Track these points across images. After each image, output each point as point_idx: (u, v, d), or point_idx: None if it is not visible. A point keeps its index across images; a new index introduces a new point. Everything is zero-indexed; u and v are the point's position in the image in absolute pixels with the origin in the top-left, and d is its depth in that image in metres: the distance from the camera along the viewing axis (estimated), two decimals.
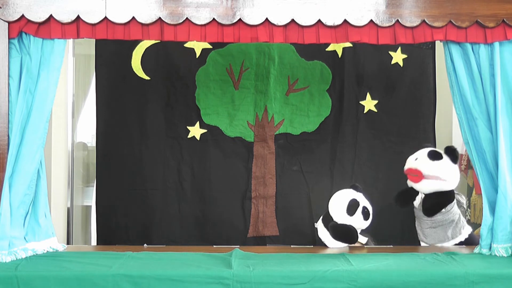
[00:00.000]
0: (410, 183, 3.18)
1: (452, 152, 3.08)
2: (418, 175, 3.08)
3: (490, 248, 2.72)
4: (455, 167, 3.09)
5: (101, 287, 2.35)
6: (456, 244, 3.11)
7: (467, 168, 4.57)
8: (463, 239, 3.13)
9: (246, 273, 2.39)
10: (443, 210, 3.07)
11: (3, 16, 2.54)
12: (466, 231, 3.16)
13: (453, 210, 3.09)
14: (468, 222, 4.50)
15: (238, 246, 2.84)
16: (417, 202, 3.17)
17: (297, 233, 3.95)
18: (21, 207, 2.60)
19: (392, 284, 2.40)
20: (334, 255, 2.72)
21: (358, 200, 3.02)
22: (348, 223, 2.99)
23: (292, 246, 3.42)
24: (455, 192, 3.17)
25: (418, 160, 3.13)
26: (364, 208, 3.02)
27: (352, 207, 2.99)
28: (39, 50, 2.59)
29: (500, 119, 2.67)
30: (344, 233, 2.98)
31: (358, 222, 3.00)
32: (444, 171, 3.06)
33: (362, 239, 2.99)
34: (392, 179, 3.77)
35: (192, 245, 3.35)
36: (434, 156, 3.09)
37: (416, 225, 3.23)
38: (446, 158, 3.09)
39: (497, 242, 2.69)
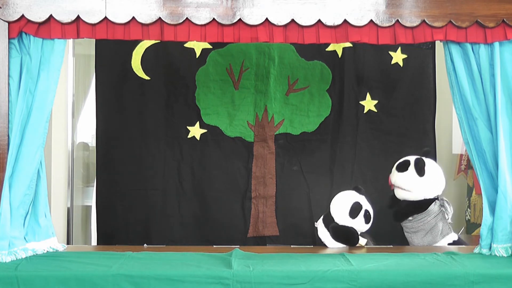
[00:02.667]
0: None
1: (416, 164, 3.14)
2: (390, 184, 3.27)
3: (490, 248, 2.72)
4: (422, 179, 3.13)
5: (101, 287, 2.35)
6: None
7: (467, 168, 4.57)
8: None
9: (246, 273, 2.39)
10: (410, 218, 3.16)
11: (3, 16, 2.54)
12: (448, 239, 3.17)
13: (424, 219, 3.14)
14: (468, 222, 4.50)
15: (238, 246, 2.83)
16: None
17: (297, 233, 3.96)
18: (21, 207, 2.60)
19: (392, 284, 2.40)
20: (334, 255, 2.72)
21: (361, 203, 3.03)
22: (349, 225, 2.99)
23: (292, 246, 3.42)
24: (444, 199, 3.20)
25: (392, 169, 3.27)
26: (366, 211, 3.03)
27: (355, 210, 2.99)
28: (39, 50, 2.59)
29: (500, 119, 2.66)
30: (345, 235, 2.98)
31: (359, 225, 3.01)
32: (406, 182, 3.15)
33: (362, 241, 2.99)
34: None
35: (192, 245, 3.35)
36: (400, 167, 3.20)
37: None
38: (411, 170, 3.15)
39: (497, 242, 2.69)
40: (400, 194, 3.19)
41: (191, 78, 3.96)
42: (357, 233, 2.99)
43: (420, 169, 3.12)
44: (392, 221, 3.27)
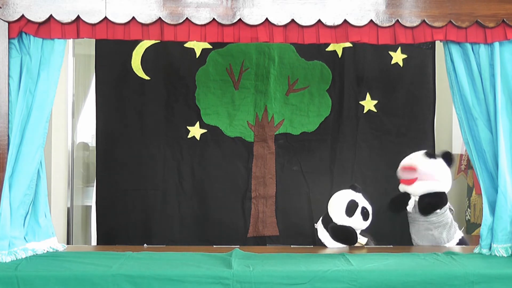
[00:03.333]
0: (402, 187, 3.19)
1: (448, 156, 3.13)
2: (412, 172, 3.10)
3: (490, 248, 2.72)
4: (449, 171, 3.14)
5: (101, 287, 2.35)
6: None
7: (467, 168, 4.57)
8: (455, 244, 3.14)
9: (246, 273, 2.39)
10: (438, 211, 3.09)
11: (3, 16, 2.54)
12: (458, 235, 3.18)
13: (446, 213, 3.13)
14: (468, 222, 4.50)
15: (238, 246, 2.84)
16: (411, 206, 3.18)
17: (297, 233, 3.95)
18: (21, 207, 2.60)
19: (392, 284, 2.40)
20: (334, 255, 2.72)
21: (357, 200, 3.02)
22: (347, 224, 2.99)
23: (292, 246, 3.42)
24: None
25: (413, 159, 3.18)
26: (363, 208, 3.02)
27: (351, 208, 2.99)
28: (39, 50, 2.59)
29: (500, 119, 2.67)
30: (344, 235, 2.98)
31: (358, 223, 3.00)
32: (438, 171, 3.10)
33: (362, 240, 2.99)
34: (391, 179, 3.75)
35: (192, 245, 3.35)
36: (430, 155, 3.14)
37: (410, 230, 3.23)
38: (440, 160, 3.13)
39: (497, 242, 2.69)
40: (424, 187, 3.09)
41: (191, 78, 3.96)
42: (356, 232, 2.99)
43: (450, 160, 3.11)
44: (420, 214, 3.17)
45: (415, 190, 3.13)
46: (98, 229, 4.00)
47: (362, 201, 3.05)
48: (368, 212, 3.04)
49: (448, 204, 3.18)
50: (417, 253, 2.77)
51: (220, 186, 3.99)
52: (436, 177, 3.08)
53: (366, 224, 3.04)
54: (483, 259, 2.66)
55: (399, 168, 3.22)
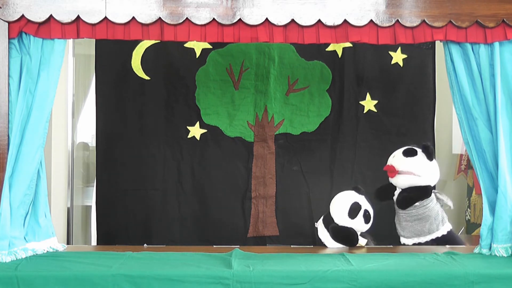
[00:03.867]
0: (389, 179, 3.25)
1: (426, 149, 3.16)
2: (393, 171, 3.18)
3: (490, 248, 2.72)
4: (431, 163, 3.17)
5: (101, 287, 2.35)
6: (433, 240, 3.14)
7: (467, 168, 4.57)
8: (440, 235, 3.15)
9: (246, 273, 2.39)
10: (417, 204, 3.14)
11: (3, 16, 2.54)
12: (445, 227, 3.19)
13: (429, 205, 3.14)
14: (468, 222, 4.50)
15: (238, 246, 2.83)
16: (396, 196, 3.22)
17: (297, 233, 3.96)
18: (21, 207, 2.60)
19: (392, 284, 2.40)
20: (334, 255, 2.72)
21: (360, 203, 3.03)
22: (349, 225, 2.99)
23: (292, 246, 3.42)
24: (436, 191, 3.23)
25: (394, 157, 3.25)
26: (366, 211, 3.03)
27: (354, 210, 2.99)
28: (39, 50, 2.59)
29: (500, 119, 2.66)
30: (345, 236, 2.98)
31: (359, 225, 3.00)
32: (417, 167, 3.14)
33: (362, 241, 2.98)
34: None
35: (192, 245, 3.35)
36: (408, 153, 3.19)
37: (395, 220, 3.27)
38: (421, 155, 3.16)
39: (497, 242, 2.69)
40: (405, 181, 3.16)
41: (191, 78, 3.96)
42: (357, 234, 2.99)
43: (430, 154, 3.15)
44: (394, 211, 3.25)
45: (398, 183, 3.22)
46: (98, 229, 4.00)
47: (365, 204, 3.06)
48: (370, 215, 3.05)
49: (439, 195, 3.19)
50: (417, 253, 2.77)
51: (220, 186, 3.99)
52: (416, 173, 3.13)
53: (367, 227, 3.04)
54: (483, 259, 2.66)
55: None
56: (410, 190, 3.16)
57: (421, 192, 3.15)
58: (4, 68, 2.57)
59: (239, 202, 4.00)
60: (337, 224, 3.00)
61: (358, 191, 3.11)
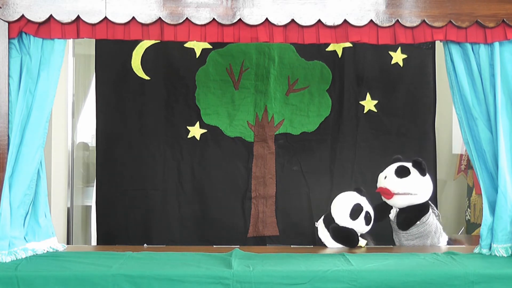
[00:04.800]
0: (383, 198, 3.18)
1: (419, 166, 3.07)
2: (389, 194, 3.09)
3: (490, 248, 2.72)
4: (425, 179, 3.08)
5: (101, 287, 2.35)
6: None
7: (467, 168, 4.57)
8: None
9: (246, 273, 2.39)
10: (418, 222, 3.08)
11: (3, 16, 2.54)
12: (443, 239, 3.16)
13: (429, 221, 3.09)
14: (468, 222, 4.50)
15: (238, 246, 2.83)
16: (392, 214, 3.18)
17: (297, 233, 3.96)
18: (21, 207, 2.60)
19: (392, 284, 2.40)
20: (334, 255, 2.72)
21: (362, 205, 3.02)
22: (349, 226, 2.99)
23: (292, 246, 3.42)
24: (430, 205, 3.16)
25: (387, 178, 3.13)
26: (367, 213, 3.02)
27: (356, 211, 2.99)
28: (39, 50, 2.59)
29: (500, 119, 2.66)
30: (345, 236, 2.98)
31: (360, 227, 3.00)
32: (413, 186, 3.06)
33: (362, 242, 2.98)
34: None
35: (192, 245, 3.35)
36: (401, 173, 3.09)
37: (393, 237, 3.22)
38: (414, 173, 3.07)
39: (497, 242, 2.69)
40: (403, 201, 3.09)
41: (191, 78, 3.96)
42: (357, 235, 2.99)
43: (423, 170, 3.06)
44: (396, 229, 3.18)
45: (395, 203, 3.13)
46: (98, 229, 4.00)
47: (366, 206, 3.05)
48: (371, 217, 3.04)
49: (432, 210, 3.14)
50: (417, 253, 2.77)
51: (220, 186, 3.99)
52: (412, 192, 3.06)
53: (367, 228, 3.04)
54: (483, 259, 2.66)
55: (377, 187, 3.20)
56: (409, 210, 3.09)
57: (420, 210, 3.08)
58: (4, 68, 2.57)
59: (239, 202, 4.00)
60: (338, 225, 3.00)
61: (360, 192, 3.11)
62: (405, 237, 3.11)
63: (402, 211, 3.11)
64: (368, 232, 3.14)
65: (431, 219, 3.10)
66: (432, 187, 3.15)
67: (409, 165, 3.12)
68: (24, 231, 2.63)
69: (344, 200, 3.06)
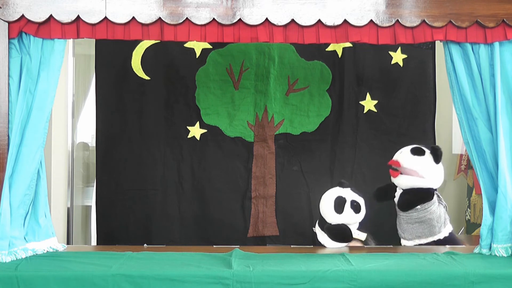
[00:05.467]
0: (391, 178, 3.19)
1: (434, 152, 3.08)
2: (397, 168, 3.10)
3: (490, 248, 2.72)
4: (437, 167, 3.08)
5: (101, 287, 2.35)
6: (434, 241, 3.11)
7: (467, 168, 4.57)
8: (441, 237, 3.11)
9: (246, 273, 2.39)
10: (418, 207, 3.07)
11: (3, 16, 2.54)
12: (447, 229, 3.16)
13: (431, 209, 3.08)
14: (468, 222, 4.51)
15: (238, 246, 2.83)
16: (397, 198, 3.18)
17: (297, 233, 3.96)
18: (21, 207, 2.59)
19: (392, 284, 2.40)
20: (334, 255, 2.72)
21: (343, 196, 3.00)
22: (340, 221, 2.97)
23: (292, 246, 3.42)
24: (438, 195, 3.16)
25: (401, 153, 3.16)
26: (353, 202, 2.99)
27: (339, 204, 2.97)
28: (39, 50, 2.59)
29: (500, 119, 2.66)
30: (339, 233, 2.97)
31: (350, 218, 2.98)
32: (422, 167, 3.06)
33: (361, 236, 2.97)
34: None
35: (192, 245, 3.35)
36: (416, 152, 3.11)
37: (396, 221, 3.23)
38: (428, 156, 3.08)
39: (497, 242, 2.68)
40: (407, 182, 3.08)
41: (191, 78, 3.96)
42: (349, 228, 2.97)
43: (438, 157, 3.06)
44: (394, 211, 3.18)
45: (400, 183, 3.13)
46: (98, 229, 4.00)
47: (350, 195, 3.02)
48: (359, 204, 3.01)
49: (438, 199, 3.15)
50: (417, 253, 2.77)
51: (220, 186, 3.99)
52: (420, 173, 3.05)
53: (359, 217, 3.00)
54: (483, 259, 2.66)
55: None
56: (412, 192, 3.09)
57: (422, 195, 3.07)
58: (4, 68, 2.57)
59: (239, 202, 4.01)
60: (330, 224, 3.00)
61: (342, 185, 3.08)
62: (405, 219, 3.12)
63: (405, 192, 3.11)
64: (369, 232, 3.14)
65: (433, 207, 3.08)
66: (442, 178, 3.12)
67: (427, 150, 3.13)
68: (24, 231, 2.63)
69: (326, 197, 3.05)
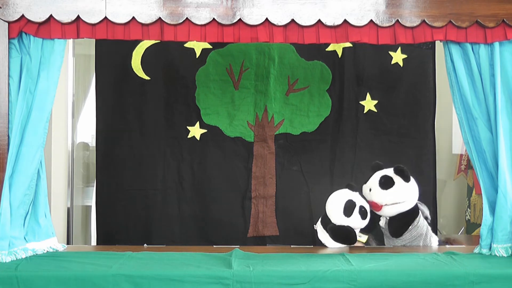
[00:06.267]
0: (373, 210, 3.15)
1: (401, 173, 3.03)
2: (377, 207, 3.06)
3: (490, 248, 2.72)
4: (409, 185, 3.04)
5: (101, 287, 2.35)
6: None
7: (467, 168, 4.57)
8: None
9: (246, 273, 2.39)
10: (410, 227, 3.06)
11: (3, 16, 2.54)
12: (434, 240, 3.15)
13: (420, 223, 3.07)
14: (468, 222, 4.51)
15: (238, 246, 2.83)
16: (383, 221, 3.15)
17: (297, 233, 3.96)
18: (21, 207, 2.60)
19: (392, 284, 2.40)
20: (334, 255, 2.72)
21: (354, 200, 3.01)
22: (346, 224, 2.98)
23: (292, 246, 3.42)
24: (418, 202, 3.13)
25: (372, 191, 3.09)
26: (361, 207, 3.01)
27: (349, 208, 2.98)
28: (39, 50, 2.59)
29: (500, 119, 2.66)
30: (343, 235, 2.98)
31: (356, 222, 3.00)
32: (399, 195, 3.03)
33: (363, 238, 2.97)
34: None
35: (192, 245, 3.35)
36: (385, 184, 3.05)
37: (385, 243, 3.21)
38: (398, 181, 3.04)
39: (497, 242, 2.69)
40: (392, 210, 3.06)
41: (191, 78, 3.96)
42: (355, 232, 2.98)
43: (406, 176, 3.02)
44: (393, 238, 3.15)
45: (385, 213, 3.10)
46: (98, 229, 4.00)
47: (360, 200, 3.03)
48: (366, 210, 3.03)
49: (421, 207, 3.13)
50: (417, 253, 2.77)
51: (220, 186, 3.99)
52: (400, 200, 3.03)
53: (364, 223, 3.02)
54: (483, 259, 2.66)
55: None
56: (400, 217, 3.07)
57: (411, 216, 3.06)
58: (4, 68, 2.57)
59: (239, 202, 4.00)
60: (335, 224, 3.00)
61: (351, 188, 3.09)
62: (399, 243, 3.10)
63: (393, 219, 3.09)
64: (369, 231, 3.14)
65: (421, 221, 3.08)
66: (417, 190, 3.09)
67: (391, 173, 3.08)
68: (24, 231, 2.63)
69: (336, 198, 3.05)
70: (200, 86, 3.96)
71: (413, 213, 3.07)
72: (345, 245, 2.97)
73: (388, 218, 3.11)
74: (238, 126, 3.99)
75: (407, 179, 3.04)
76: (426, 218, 3.14)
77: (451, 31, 2.66)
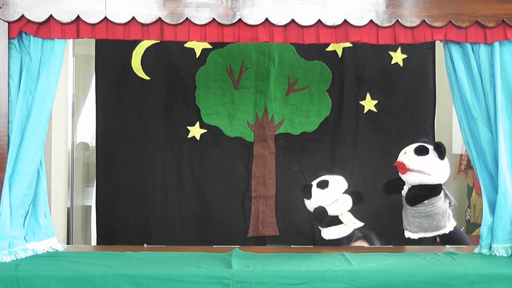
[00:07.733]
0: (399, 173, 3.20)
1: (438, 148, 3.07)
2: (404, 168, 3.09)
3: (490, 248, 2.72)
4: (442, 162, 3.07)
5: (101, 287, 2.35)
6: (438, 235, 3.12)
7: (467, 168, 4.58)
8: (447, 232, 3.12)
9: (246, 273, 2.39)
10: (426, 201, 3.07)
11: (3, 16, 2.54)
12: (451, 224, 3.16)
13: (437, 203, 3.09)
14: (468, 222, 4.51)
15: (238, 246, 2.83)
16: (404, 191, 3.19)
17: (297, 233, 3.96)
18: (21, 207, 2.59)
19: (392, 284, 2.40)
20: (334, 255, 2.72)
21: (311, 183, 2.99)
22: (317, 204, 2.96)
23: (292, 246, 3.42)
24: (446, 192, 3.16)
25: (406, 154, 3.15)
26: (318, 183, 2.98)
27: (305, 192, 2.98)
28: (39, 50, 2.59)
29: (500, 119, 2.66)
30: (315, 215, 2.97)
31: (320, 198, 2.96)
32: (427, 166, 3.04)
33: (357, 223, 2.94)
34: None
35: (192, 245, 3.35)
36: (420, 151, 3.08)
37: (402, 213, 3.24)
38: (432, 154, 3.07)
39: (497, 242, 2.68)
40: (415, 179, 3.07)
41: (191, 78, 3.96)
42: (322, 208, 2.95)
43: (442, 153, 3.05)
44: (397, 210, 3.18)
45: (408, 180, 3.13)
46: (98, 229, 4.00)
47: (318, 180, 3.01)
48: (327, 181, 2.98)
49: (445, 196, 3.16)
50: (417, 253, 2.77)
51: (220, 186, 3.99)
52: (426, 172, 3.04)
53: (329, 192, 2.96)
54: (483, 259, 2.65)
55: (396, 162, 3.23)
56: (420, 188, 3.08)
57: (430, 191, 3.07)
58: (4, 68, 2.56)
59: (239, 202, 4.01)
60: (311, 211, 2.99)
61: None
62: (412, 213, 3.12)
63: (413, 188, 3.11)
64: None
65: (440, 202, 3.10)
66: (448, 172, 3.11)
67: (430, 146, 3.12)
68: (24, 231, 2.63)
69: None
70: (200, 86, 3.96)
71: (434, 190, 3.07)
72: (337, 233, 2.95)
73: (409, 186, 3.13)
74: (238, 126, 3.99)
75: (441, 157, 3.06)
76: (450, 203, 3.17)
77: (451, 31, 2.66)
